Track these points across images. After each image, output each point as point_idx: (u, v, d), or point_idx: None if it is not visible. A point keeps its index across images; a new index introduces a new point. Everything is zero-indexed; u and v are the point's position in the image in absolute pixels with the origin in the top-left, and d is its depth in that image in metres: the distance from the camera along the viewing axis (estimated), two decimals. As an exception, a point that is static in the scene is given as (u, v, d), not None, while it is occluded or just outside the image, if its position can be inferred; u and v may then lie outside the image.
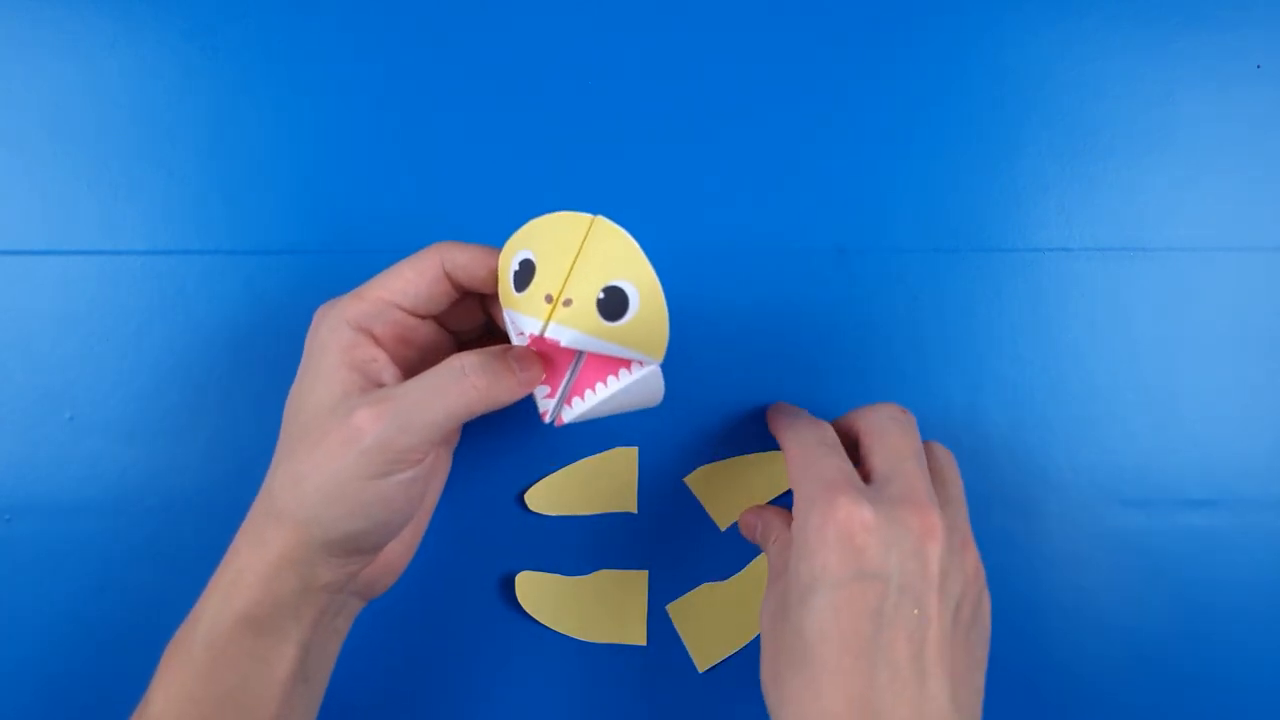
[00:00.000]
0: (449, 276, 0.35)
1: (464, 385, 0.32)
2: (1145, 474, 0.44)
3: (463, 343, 0.39)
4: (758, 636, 0.43)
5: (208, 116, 0.44)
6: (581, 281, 0.33)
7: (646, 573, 0.43)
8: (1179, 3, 0.45)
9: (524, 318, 0.33)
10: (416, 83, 0.44)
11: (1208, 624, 0.43)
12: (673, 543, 0.43)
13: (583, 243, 0.33)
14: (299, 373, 0.35)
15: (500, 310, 0.35)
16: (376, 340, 0.35)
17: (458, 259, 0.35)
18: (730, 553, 0.43)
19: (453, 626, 0.43)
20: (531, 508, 0.43)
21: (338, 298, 0.35)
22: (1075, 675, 0.43)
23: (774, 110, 0.45)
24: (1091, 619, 0.43)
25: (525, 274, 0.33)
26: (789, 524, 0.37)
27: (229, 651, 0.32)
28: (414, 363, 0.36)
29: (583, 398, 0.35)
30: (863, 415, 0.38)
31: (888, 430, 0.36)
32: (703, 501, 0.43)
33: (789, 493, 0.42)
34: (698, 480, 0.43)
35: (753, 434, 0.43)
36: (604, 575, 0.43)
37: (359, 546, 0.33)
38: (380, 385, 0.34)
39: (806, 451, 0.36)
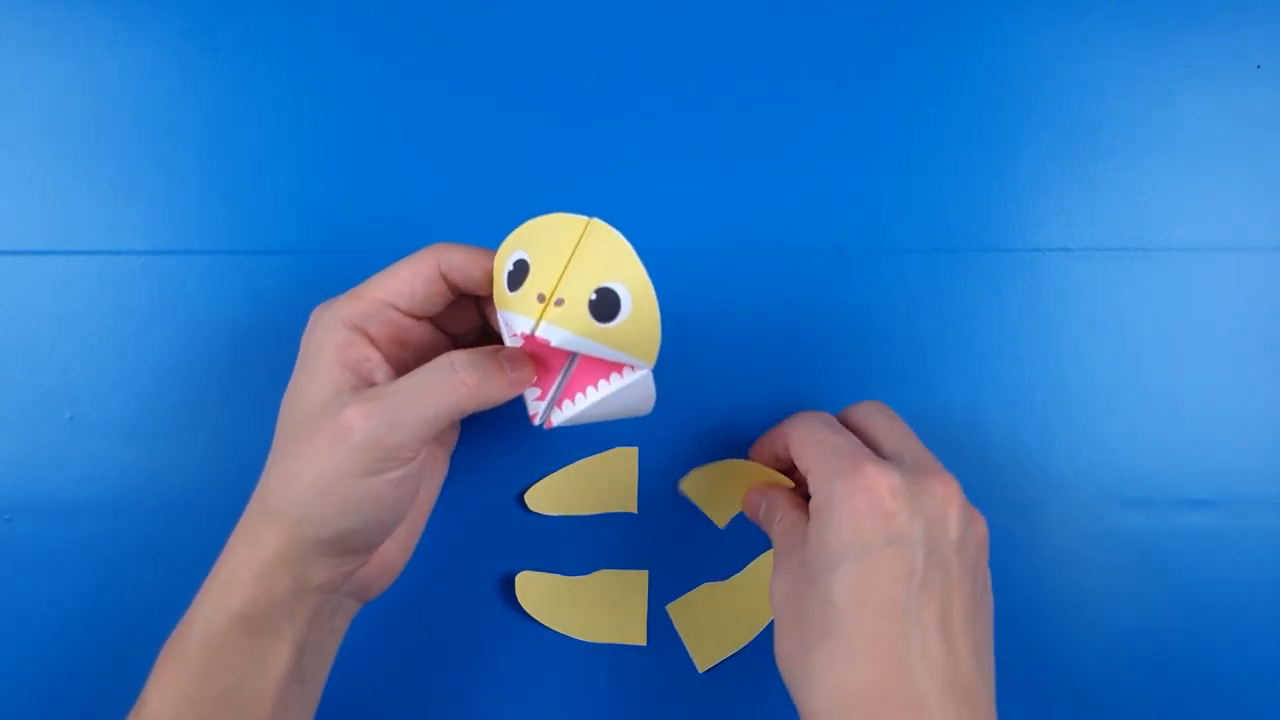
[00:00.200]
0: (445, 277, 0.35)
1: (454, 382, 0.32)
2: (1145, 474, 0.44)
3: (459, 345, 0.39)
4: (758, 636, 0.43)
5: (208, 116, 0.44)
6: (574, 282, 0.33)
7: (646, 573, 0.43)
8: (1179, 3, 0.45)
9: (516, 317, 0.33)
10: (416, 83, 0.44)
11: (1208, 624, 0.43)
12: (673, 543, 0.43)
13: (577, 244, 0.33)
14: (294, 372, 0.35)
15: (495, 312, 0.35)
16: (371, 340, 0.35)
17: (453, 260, 0.35)
18: (730, 553, 0.43)
19: (453, 626, 0.43)
20: (531, 508, 0.43)
21: (334, 298, 0.35)
22: (1075, 675, 0.43)
23: (774, 110, 0.45)
24: (1091, 619, 0.43)
25: (519, 274, 0.33)
26: (796, 503, 0.37)
27: (224, 651, 0.32)
28: (409, 364, 0.36)
29: (573, 401, 0.35)
30: (850, 412, 0.39)
31: (876, 418, 0.38)
32: (699, 504, 0.43)
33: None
34: (692, 483, 0.43)
35: (753, 434, 0.43)
36: (604, 575, 0.43)
37: (351, 545, 0.33)
38: (373, 385, 0.34)
39: (815, 432, 0.36)
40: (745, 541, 0.43)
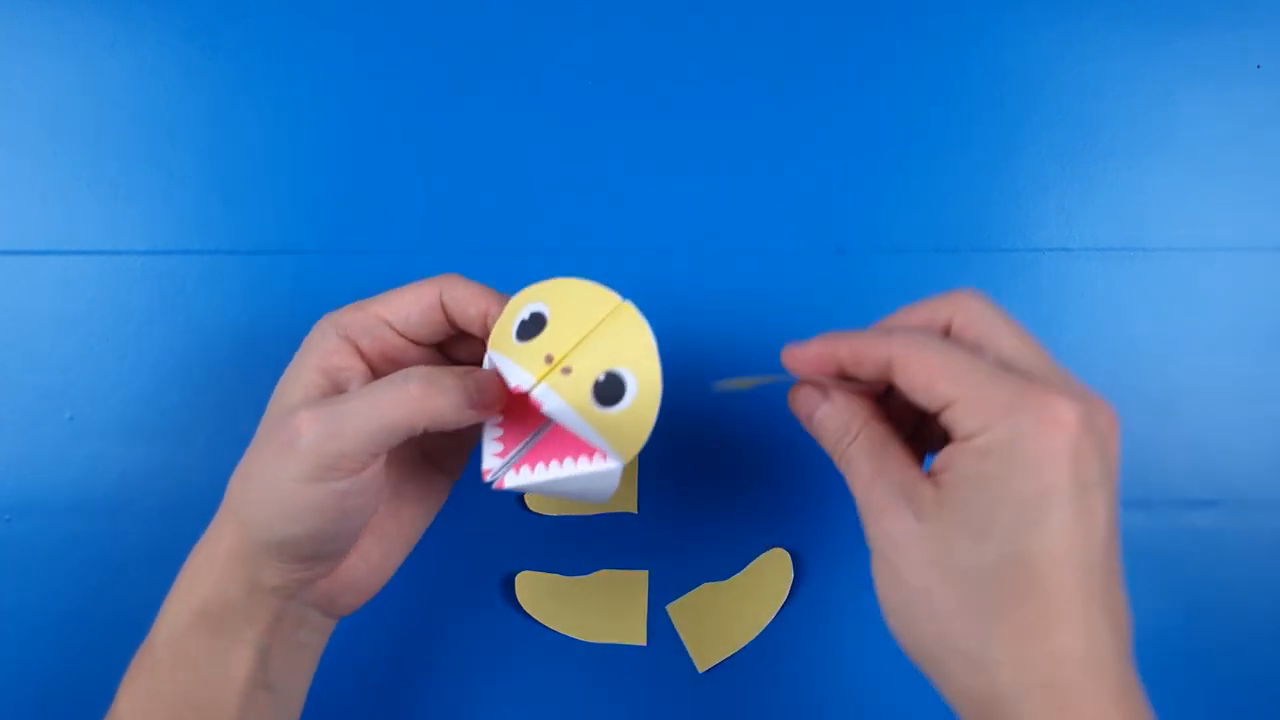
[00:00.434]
0: (445, 307, 0.34)
1: (403, 394, 0.31)
2: (1145, 474, 0.43)
3: None
4: (758, 637, 0.43)
5: (208, 116, 0.44)
6: (588, 356, 0.31)
7: (646, 573, 0.43)
8: (1179, 3, 0.45)
9: (517, 368, 0.32)
10: (416, 83, 0.44)
11: (1208, 624, 0.43)
12: (673, 543, 0.43)
13: (603, 319, 0.32)
14: (284, 371, 0.35)
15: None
16: (361, 353, 0.34)
17: (456, 293, 0.34)
18: (730, 553, 0.43)
19: (453, 626, 0.43)
20: (531, 508, 0.43)
21: (344, 305, 0.35)
22: (1075, 675, 0.43)
23: (774, 110, 0.45)
24: (1091, 619, 0.43)
25: (534, 326, 0.32)
26: (880, 415, 0.32)
27: (188, 650, 0.32)
28: None
29: (532, 469, 0.33)
30: (953, 303, 0.32)
31: (995, 323, 0.31)
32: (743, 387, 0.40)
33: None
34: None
35: (753, 434, 0.43)
36: (604, 575, 0.43)
37: (300, 552, 0.33)
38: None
39: (952, 353, 0.30)
40: (745, 542, 0.43)
